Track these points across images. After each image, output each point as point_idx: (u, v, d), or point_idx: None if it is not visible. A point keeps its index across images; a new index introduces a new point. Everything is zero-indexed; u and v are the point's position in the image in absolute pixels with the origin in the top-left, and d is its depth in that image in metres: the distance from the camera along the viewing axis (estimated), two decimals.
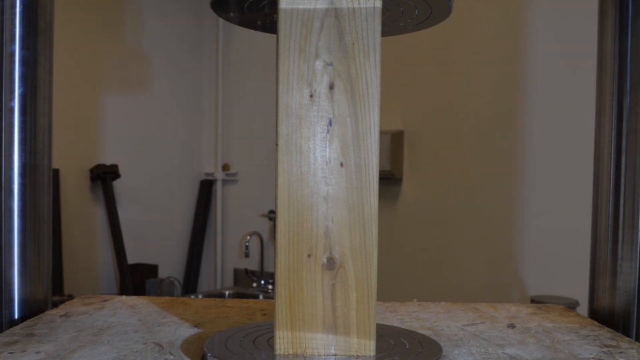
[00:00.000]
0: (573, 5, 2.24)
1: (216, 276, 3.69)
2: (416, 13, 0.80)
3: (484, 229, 2.50)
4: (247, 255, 3.25)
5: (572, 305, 1.90)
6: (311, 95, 0.70)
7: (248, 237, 3.26)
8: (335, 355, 0.71)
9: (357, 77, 0.70)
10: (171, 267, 3.55)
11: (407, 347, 0.75)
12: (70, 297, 2.80)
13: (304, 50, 0.70)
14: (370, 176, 0.70)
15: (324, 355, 0.71)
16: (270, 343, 0.74)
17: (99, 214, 3.24)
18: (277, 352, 0.71)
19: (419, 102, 2.74)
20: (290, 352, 0.71)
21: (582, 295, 1.54)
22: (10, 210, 0.94)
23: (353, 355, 0.71)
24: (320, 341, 0.71)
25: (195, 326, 0.90)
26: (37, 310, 0.97)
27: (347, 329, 0.71)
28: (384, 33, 0.78)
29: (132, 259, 3.28)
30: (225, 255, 3.69)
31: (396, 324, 0.92)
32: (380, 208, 0.70)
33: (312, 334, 0.71)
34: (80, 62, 3.11)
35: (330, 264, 0.70)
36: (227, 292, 3.33)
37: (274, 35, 0.72)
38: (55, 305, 1.01)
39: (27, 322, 0.89)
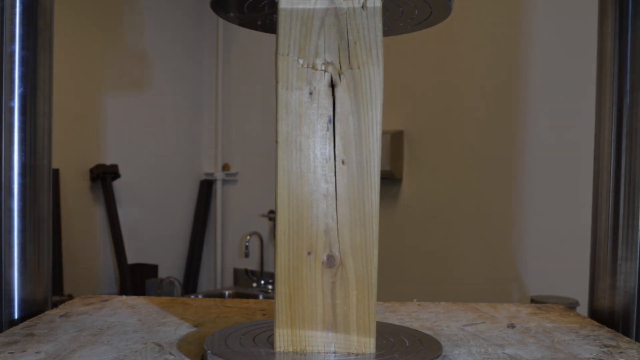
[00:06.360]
0: (573, 5, 2.24)
1: (216, 276, 3.69)
2: (416, 13, 0.80)
3: (483, 229, 2.50)
4: (247, 255, 3.25)
5: (572, 305, 1.89)
6: (311, 93, 0.70)
7: (248, 237, 3.26)
8: (335, 352, 0.71)
9: (360, 75, 0.70)
10: (171, 267, 3.55)
11: (407, 344, 0.75)
12: (70, 297, 2.80)
13: (304, 48, 0.70)
14: (371, 174, 0.70)
15: (324, 352, 0.71)
16: (270, 341, 0.74)
17: (99, 214, 3.24)
18: (277, 349, 0.71)
19: (419, 102, 2.74)
20: (290, 349, 0.71)
21: (582, 295, 1.53)
22: (10, 210, 0.94)
23: (353, 353, 0.71)
24: (320, 339, 0.71)
25: (195, 326, 0.90)
26: (37, 310, 0.97)
27: (347, 326, 0.71)
28: (384, 33, 0.78)
29: (132, 259, 3.28)
30: (225, 255, 3.69)
31: (396, 323, 0.92)
32: (380, 208, 0.70)
33: (312, 331, 0.71)
34: (80, 62, 3.11)
35: (331, 261, 0.70)
36: (227, 292, 3.33)
37: (274, 35, 0.72)
38: (55, 305, 1.01)
39: (27, 322, 0.89)
